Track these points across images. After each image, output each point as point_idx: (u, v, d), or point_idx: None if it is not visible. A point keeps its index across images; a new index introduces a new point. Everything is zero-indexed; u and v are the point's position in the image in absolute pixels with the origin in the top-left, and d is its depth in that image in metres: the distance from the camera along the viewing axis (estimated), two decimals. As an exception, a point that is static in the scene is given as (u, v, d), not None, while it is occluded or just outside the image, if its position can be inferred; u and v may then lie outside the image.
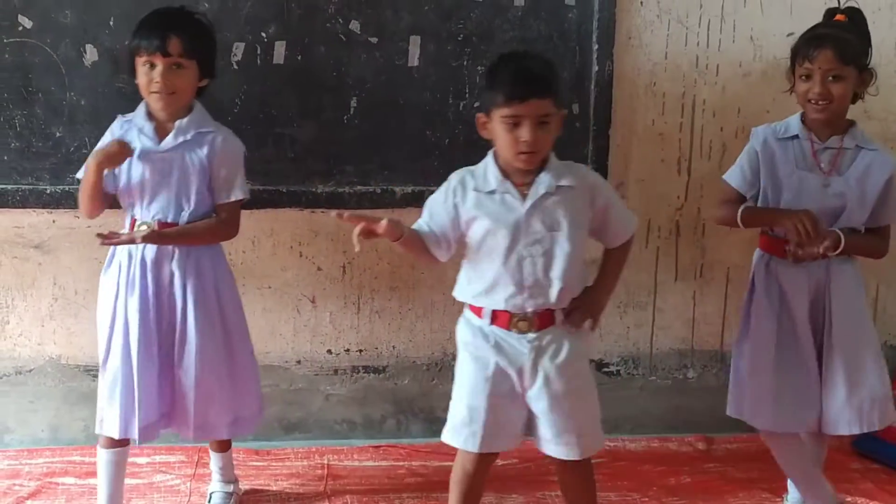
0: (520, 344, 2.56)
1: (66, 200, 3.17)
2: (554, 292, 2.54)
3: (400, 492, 3.16)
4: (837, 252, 2.72)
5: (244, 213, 3.22)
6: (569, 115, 3.26)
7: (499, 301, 2.55)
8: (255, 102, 3.18)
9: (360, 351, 3.46)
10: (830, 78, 2.68)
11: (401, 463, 3.33)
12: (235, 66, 3.15)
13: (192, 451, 3.32)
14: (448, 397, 3.41)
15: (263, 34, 3.14)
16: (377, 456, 3.37)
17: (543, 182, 2.52)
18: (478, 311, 2.60)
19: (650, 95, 3.35)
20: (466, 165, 3.22)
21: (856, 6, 2.80)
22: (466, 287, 2.60)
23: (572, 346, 2.59)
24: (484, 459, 2.65)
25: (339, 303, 3.40)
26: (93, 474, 3.16)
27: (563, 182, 2.52)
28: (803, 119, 2.80)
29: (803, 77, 2.72)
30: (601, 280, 2.70)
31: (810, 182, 2.74)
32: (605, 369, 3.56)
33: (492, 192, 2.53)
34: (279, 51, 3.16)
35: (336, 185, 3.26)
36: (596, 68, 3.26)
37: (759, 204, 2.83)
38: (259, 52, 3.15)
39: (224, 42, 3.12)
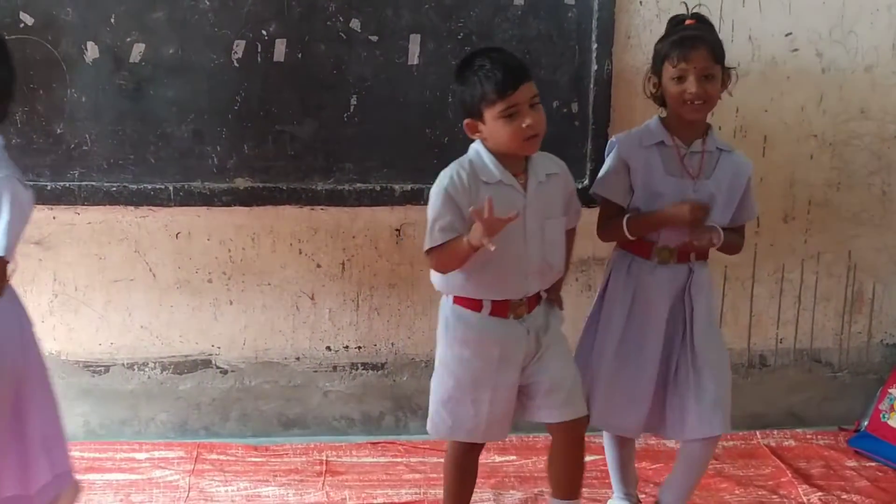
0: (516, 329, 2.62)
1: (67, 197, 3.18)
2: (552, 276, 2.66)
3: (398, 488, 3.17)
4: (717, 247, 2.75)
5: (245, 211, 3.27)
6: (568, 113, 3.31)
7: (502, 290, 2.58)
8: (256, 100, 3.18)
9: (359, 348, 3.47)
10: (709, 77, 2.66)
11: (399, 459, 3.35)
12: (236, 64, 3.15)
13: (191, 447, 3.34)
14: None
15: (264, 32, 3.15)
16: (375, 452, 3.38)
17: (537, 171, 2.60)
18: (474, 304, 2.61)
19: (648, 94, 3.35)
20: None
21: (699, 13, 2.81)
22: (463, 282, 2.59)
23: (555, 318, 2.72)
24: (479, 448, 2.77)
25: (339, 300, 3.42)
26: (92, 469, 3.20)
27: (552, 170, 2.64)
28: (664, 124, 2.78)
29: (676, 79, 2.68)
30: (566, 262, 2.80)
31: (681, 187, 2.73)
32: (603, 367, 3.57)
33: (497, 184, 2.55)
34: (279, 48, 3.16)
35: (336, 183, 3.27)
36: (595, 67, 3.27)
37: (635, 207, 2.79)
38: (259, 49, 3.15)
39: (225, 40, 3.14)
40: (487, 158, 2.57)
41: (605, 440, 3.02)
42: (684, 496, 2.92)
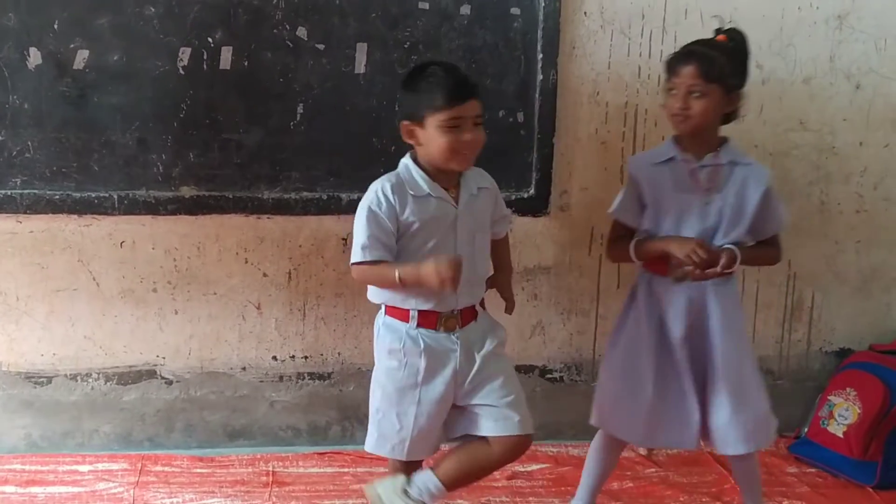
0: (446, 342, 2.62)
1: (8, 205, 3.15)
2: (482, 288, 2.70)
3: (345, 498, 3.16)
4: (734, 268, 2.75)
5: (190, 220, 3.25)
6: (514, 122, 3.33)
7: (430, 301, 2.59)
8: (201, 108, 3.16)
9: (306, 357, 3.45)
10: (696, 94, 2.68)
11: (346, 469, 3.33)
12: (181, 71, 3.13)
13: (135, 459, 3.30)
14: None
15: (210, 39, 3.13)
16: (322, 462, 3.37)
17: (469, 185, 2.63)
18: (402, 314, 2.63)
19: (594, 104, 3.39)
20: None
21: (738, 29, 2.82)
22: (393, 292, 2.61)
23: (495, 335, 2.72)
24: (414, 466, 2.74)
25: (285, 309, 3.40)
26: (34, 483, 3.15)
27: (483, 184, 2.69)
28: (677, 141, 2.81)
29: (669, 91, 2.73)
30: (506, 267, 2.89)
31: (691, 202, 2.75)
32: (549, 376, 3.59)
33: (426, 197, 2.58)
34: (226, 56, 3.15)
35: (282, 192, 3.26)
36: (540, 77, 3.30)
37: (645, 227, 2.82)
38: (205, 57, 3.14)
39: (170, 47, 3.12)
40: (416, 173, 2.60)
41: (599, 445, 3.01)
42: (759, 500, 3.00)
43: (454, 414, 2.70)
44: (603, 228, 3.49)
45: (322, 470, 3.33)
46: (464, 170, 2.61)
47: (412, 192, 2.58)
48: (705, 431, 2.85)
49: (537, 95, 3.32)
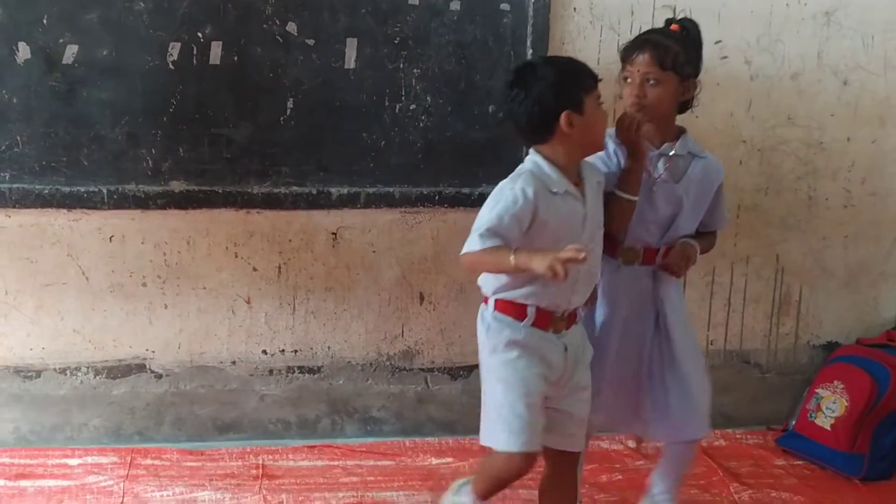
0: (555, 344, 2.59)
1: (-2, 199, 3.15)
2: (593, 289, 2.69)
3: (335, 491, 3.16)
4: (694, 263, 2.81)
5: (180, 214, 3.25)
6: (503, 118, 3.32)
7: (550, 299, 2.55)
8: (191, 102, 3.16)
9: (295, 351, 3.46)
10: (650, 82, 2.68)
11: (336, 462, 3.34)
12: (171, 66, 3.13)
13: (124, 453, 3.30)
14: (382, 397, 3.49)
15: (199, 34, 3.13)
16: (312, 456, 3.37)
17: (589, 178, 2.60)
18: (518, 311, 2.56)
19: (583, 100, 3.40)
20: (402, 167, 3.30)
21: (691, 18, 2.84)
22: (513, 285, 2.54)
23: (589, 344, 2.71)
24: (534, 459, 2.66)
25: (275, 303, 3.41)
26: (23, 476, 3.15)
27: (599, 178, 2.65)
28: None
29: (625, 80, 2.74)
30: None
31: (648, 189, 2.73)
32: (538, 369, 3.60)
33: (564, 194, 2.53)
34: (215, 51, 3.15)
35: (272, 186, 3.26)
36: (530, 73, 3.30)
37: None
38: (195, 52, 3.14)
39: (159, 42, 3.11)
40: (549, 169, 2.52)
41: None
42: (675, 488, 3.00)
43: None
44: (592, 223, 3.52)
45: (312, 463, 3.33)
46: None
47: (553, 190, 2.50)
48: (631, 418, 2.89)
49: (527, 91, 3.32)
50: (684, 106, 2.80)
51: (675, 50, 2.70)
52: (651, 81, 2.69)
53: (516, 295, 2.55)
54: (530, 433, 2.57)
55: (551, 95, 2.48)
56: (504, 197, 2.47)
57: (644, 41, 2.73)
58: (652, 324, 2.82)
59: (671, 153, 2.76)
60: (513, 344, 2.57)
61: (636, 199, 2.70)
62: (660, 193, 2.75)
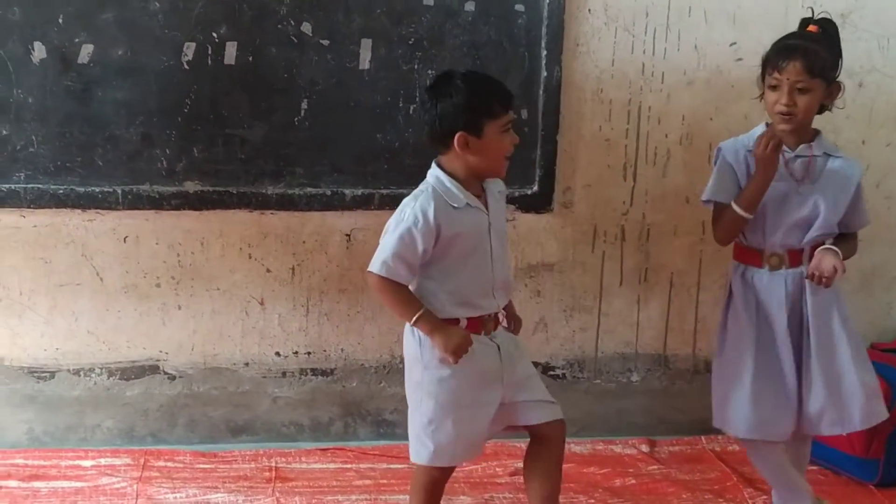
0: (488, 346, 2.64)
1: (12, 199, 3.15)
2: (510, 290, 2.73)
3: (348, 493, 3.15)
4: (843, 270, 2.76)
5: (194, 215, 3.25)
6: (517, 119, 3.31)
7: (476, 308, 2.62)
8: (206, 103, 3.17)
9: (309, 353, 3.45)
10: (798, 90, 2.68)
11: (349, 465, 3.33)
12: (186, 66, 3.14)
13: (138, 454, 3.29)
14: (395, 400, 3.48)
15: (214, 34, 3.14)
16: (325, 458, 3.36)
17: (491, 189, 2.65)
18: (451, 322, 2.59)
19: (597, 102, 3.40)
20: (416, 169, 3.26)
21: (829, 17, 2.81)
22: (441, 303, 2.58)
23: (513, 336, 2.77)
24: (451, 471, 2.76)
25: (288, 305, 3.40)
26: (37, 477, 3.15)
27: (500, 187, 2.70)
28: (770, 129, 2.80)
29: (772, 87, 2.73)
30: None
31: (786, 191, 2.76)
32: (551, 372, 3.59)
33: (465, 207, 2.57)
34: (230, 51, 3.15)
35: (286, 187, 3.26)
36: (545, 74, 3.30)
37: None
38: (210, 52, 3.14)
39: (175, 42, 3.12)
40: (451, 184, 2.56)
41: (754, 454, 3.00)
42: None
43: (500, 412, 2.70)
44: (606, 225, 3.52)
45: (325, 466, 3.32)
46: (503, 175, 2.64)
47: (453, 205, 2.55)
48: (800, 419, 2.88)
49: (541, 92, 3.32)
50: (822, 107, 2.79)
51: (823, 55, 2.69)
52: (799, 90, 2.68)
53: (446, 312, 2.59)
54: (456, 451, 2.66)
55: (452, 114, 2.52)
56: (405, 218, 2.54)
57: (794, 48, 2.70)
58: (802, 326, 2.83)
59: (808, 154, 2.76)
60: (445, 361, 2.58)
61: (750, 216, 2.74)
62: (797, 195, 2.76)
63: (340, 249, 3.37)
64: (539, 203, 3.40)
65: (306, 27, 3.18)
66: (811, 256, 2.79)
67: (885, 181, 3.62)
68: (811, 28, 2.79)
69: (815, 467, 3.44)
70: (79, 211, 3.21)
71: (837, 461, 3.42)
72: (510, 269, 2.77)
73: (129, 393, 3.38)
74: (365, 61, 3.23)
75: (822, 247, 2.79)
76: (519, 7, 3.27)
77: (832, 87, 2.75)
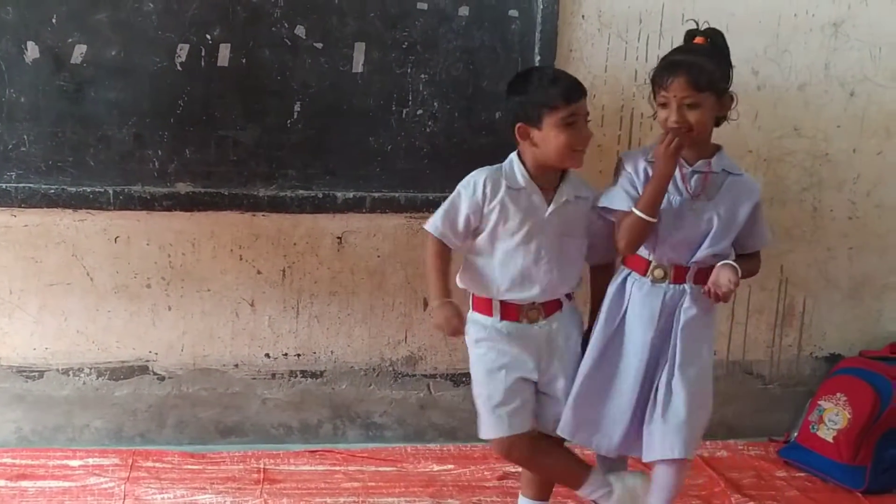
0: (530, 331, 2.74)
1: (3, 198, 3.14)
2: (564, 289, 2.79)
3: (336, 496, 3.15)
4: (737, 286, 2.71)
5: (185, 216, 3.25)
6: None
7: (509, 294, 2.72)
8: (198, 104, 3.16)
9: (298, 355, 3.45)
10: (686, 105, 2.63)
11: (337, 467, 3.33)
12: (179, 68, 3.13)
13: (126, 455, 3.29)
14: (385, 402, 3.49)
15: (208, 36, 3.13)
16: (313, 460, 3.37)
17: (567, 191, 2.72)
18: (486, 307, 2.75)
19: (590, 108, 3.35)
20: (408, 172, 3.30)
21: (715, 28, 2.79)
22: (477, 280, 2.75)
23: (577, 331, 2.83)
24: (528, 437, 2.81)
25: (279, 307, 3.40)
26: (24, 477, 3.14)
27: (582, 193, 2.77)
28: None
29: (661, 105, 2.67)
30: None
31: (681, 206, 2.71)
32: (541, 377, 3.59)
33: (520, 190, 2.69)
34: (223, 53, 3.15)
35: (278, 189, 3.26)
36: (538, 79, 3.31)
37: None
38: (203, 54, 3.14)
39: (168, 43, 3.12)
40: (517, 168, 2.71)
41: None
42: None
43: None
44: (597, 231, 3.52)
45: (313, 468, 3.32)
46: (579, 167, 2.71)
47: (508, 184, 2.69)
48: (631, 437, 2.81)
49: (534, 98, 3.32)
50: (719, 120, 2.75)
51: (709, 68, 2.64)
52: (688, 105, 2.64)
53: (480, 290, 2.75)
54: (505, 420, 2.74)
55: (514, 105, 2.71)
56: (465, 182, 2.73)
57: (676, 64, 2.66)
58: (666, 341, 2.77)
59: (705, 170, 2.73)
60: (480, 342, 2.77)
61: (653, 220, 2.68)
62: (691, 211, 2.71)
63: (331, 252, 3.37)
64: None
65: (300, 30, 3.18)
66: (696, 276, 2.73)
67: (875, 190, 3.63)
68: (698, 40, 2.75)
69: (801, 474, 3.47)
70: (70, 211, 3.20)
71: (824, 468, 3.43)
72: (572, 271, 2.78)
73: (117, 393, 3.38)
74: (358, 65, 3.23)
75: (721, 262, 2.72)
76: (513, 12, 3.27)
77: (724, 99, 2.70)
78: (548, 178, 2.72)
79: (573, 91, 2.65)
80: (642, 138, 3.44)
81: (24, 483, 3.11)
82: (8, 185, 3.13)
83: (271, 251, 3.36)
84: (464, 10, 3.25)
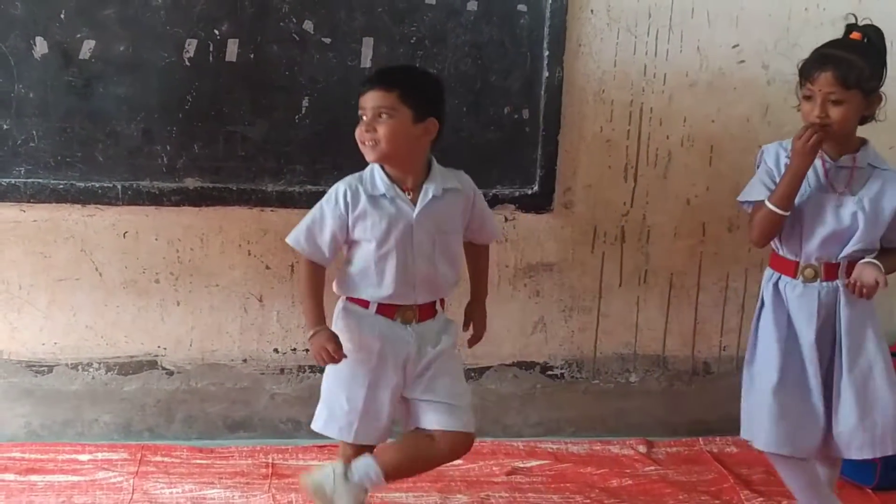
0: (401, 331, 2.67)
1: (12, 194, 3.15)
2: (445, 289, 2.73)
3: (344, 491, 3.16)
4: (884, 284, 2.68)
5: (194, 211, 3.25)
6: (519, 119, 3.33)
7: (389, 297, 2.65)
8: (207, 100, 3.17)
9: (307, 350, 3.42)
10: (831, 101, 2.59)
11: (345, 463, 3.33)
12: (187, 63, 3.14)
13: (135, 449, 3.29)
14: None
15: (216, 31, 3.13)
16: (322, 455, 3.36)
17: (433, 185, 2.64)
18: (363, 301, 2.69)
19: (599, 102, 3.39)
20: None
21: (875, 25, 2.72)
22: (354, 287, 2.69)
23: (450, 335, 2.76)
24: (363, 450, 2.75)
25: (287, 302, 3.40)
26: (34, 471, 3.15)
27: (451, 185, 2.68)
28: None
29: (806, 97, 2.64)
30: (480, 288, 2.89)
31: (825, 202, 2.68)
32: (550, 372, 3.59)
33: (380, 197, 2.62)
34: (232, 48, 3.15)
35: (286, 185, 3.26)
36: (546, 74, 3.29)
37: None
38: (211, 49, 3.14)
39: (176, 38, 3.12)
40: (378, 173, 2.64)
41: (783, 469, 2.90)
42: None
43: (404, 408, 2.75)
44: (606, 226, 3.51)
45: (322, 463, 3.32)
46: (371, 161, 2.64)
47: (368, 192, 2.62)
48: (827, 436, 2.79)
49: (543, 92, 3.31)
50: (865, 118, 2.70)
51: (859, 66, 2.59)
52: (832, 101, 2.59)
53: (359, 294, 2.69)
54: (345, 423, 2.71)
55: None
56: (328, 195, 2.67)
57: (826, 58, 2.61)
58: (833, 341, 2.75)
59: (850, 165, 2.69)
60: (350, 331, 2.69)
61: (785, 213, 2.66)
62: (837, 207, 2.68)
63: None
64: (539, 203, 3.40)
65: (308, 25, 3.18)
66: (848, 271, 2.71)
67: (886, 185, 3.61)
68: (854, 35, 2.70)
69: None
70: (79, 206, 3.21)
71: (835, 465, 3.42)
72: (451, 268, 2.72)
73: (126, 388, 3.38)
74: (366, 59, 3.23)
75: (863, 260, 2.69)
76: (521, 7, 3.26)
77: (872, 98, 2.64)
78: (411, 177, 2.64)
79: (364, 84, 2.63)
80: (651, 133, 3.43)
81: (34, 477, 3.12)
82: (17, 180, 3.14)
83: (280, 246, 3.34)
84: (472, 5, 3.24)
